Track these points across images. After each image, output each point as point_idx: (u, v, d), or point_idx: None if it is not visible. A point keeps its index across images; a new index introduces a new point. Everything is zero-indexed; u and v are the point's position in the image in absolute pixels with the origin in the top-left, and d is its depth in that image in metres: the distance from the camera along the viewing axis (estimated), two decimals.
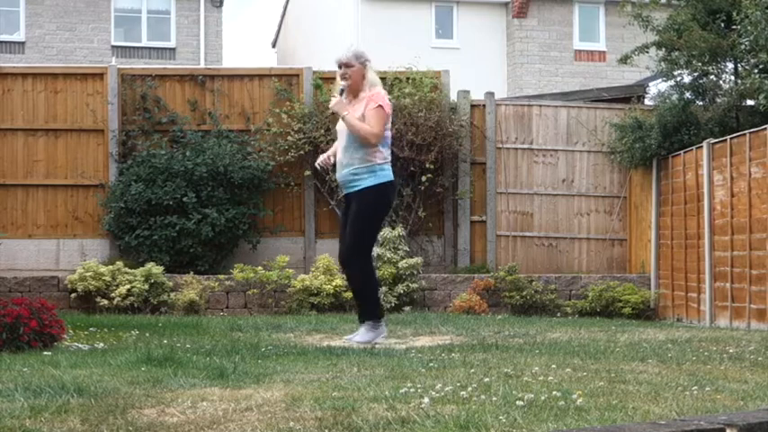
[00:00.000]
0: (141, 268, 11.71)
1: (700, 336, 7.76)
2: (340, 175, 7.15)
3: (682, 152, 11.87)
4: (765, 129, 9.84)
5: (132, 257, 12.28)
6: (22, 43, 23.47)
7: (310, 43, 26.11)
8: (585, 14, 24.17)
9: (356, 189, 7.03)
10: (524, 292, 12.11)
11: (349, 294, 11.85)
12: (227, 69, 14.27)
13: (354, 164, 7.03)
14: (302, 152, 12.71)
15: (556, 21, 23.98)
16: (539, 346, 6.39)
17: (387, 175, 7.08)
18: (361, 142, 6.99)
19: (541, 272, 13.00)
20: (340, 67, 7.13)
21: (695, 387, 4.20)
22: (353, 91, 7.12)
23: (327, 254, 12.41)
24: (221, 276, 12.01)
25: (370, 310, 7.18)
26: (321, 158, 7.44)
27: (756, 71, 10.92)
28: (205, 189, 12.26)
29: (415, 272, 12.17)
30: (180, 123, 12.89)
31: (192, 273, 11.98)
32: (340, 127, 7.18)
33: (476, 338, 7.31)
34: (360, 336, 7.10)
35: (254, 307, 11.98)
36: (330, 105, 7.18)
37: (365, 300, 7.24)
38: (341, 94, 7.09)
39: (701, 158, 11.22)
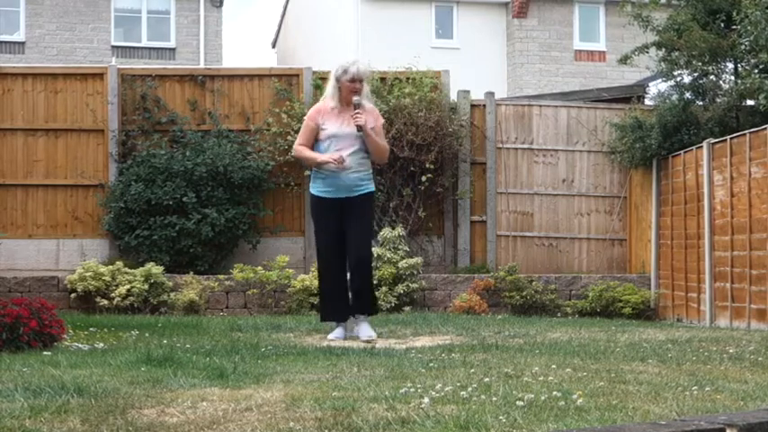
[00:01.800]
0: (141, 268, 11.71)
1: (700, 336, 7.76)
2: (346, 178, 7.42)
3: (682, 152, 11.87)
4: (765, 129, 9.84)
5: (132, 257, 12.28)
6: (22, 43, 23.48)
7: (310, 43, 26.11)
8: (585, 14, 24.17)
9: (360, 192, 7.51)
10: (524, 292, 12.11)
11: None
12: (227, 69, 14.27)
13: (361, 170, 7.51)
14: None
15: (556, 21, 23.97)
16: (539, 346, 6.39)
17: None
18: (380, 155, 7.62)
19: (541, 272, 12.99)
20: (355, 81, 7.40)
21: (695, 387, 4.20)
22: (349, 102, 7.45)
23: None
24: (221, 276, 12.02)
25: (374, 302, 7.87)
26: (335, 157, 7.37)
27: (756, 71, 10.92)
28: (205, 189, 12.26)
29: (415, 272, 12.17)
30: (180, 123, 12.89)
31: (191, 273, 11.98)
32: (346, 132, 7.41)
33: (476, 338, 7.31)
34: (367, 330, 7.48)
35: (253, 307, 11.98)
36: (361, 122, 7.37)
37: (371, 292, 7.78)
38: (357, 107, 7.38)
39: (701, 158, 11.22)
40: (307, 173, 12.81)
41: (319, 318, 8.04)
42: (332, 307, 7.65)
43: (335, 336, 7.47)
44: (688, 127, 11.87)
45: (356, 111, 7.37)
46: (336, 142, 7.41)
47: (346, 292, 7.68)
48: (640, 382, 4.36)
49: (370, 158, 7.60)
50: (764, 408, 3.61)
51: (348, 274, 7.77)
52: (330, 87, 7.51)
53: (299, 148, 7.57)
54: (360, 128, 7.36)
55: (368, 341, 7.17)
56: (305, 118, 7.65)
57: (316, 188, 7.56)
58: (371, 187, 7.62)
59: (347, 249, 7.53)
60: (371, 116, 7.51)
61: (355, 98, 7.40)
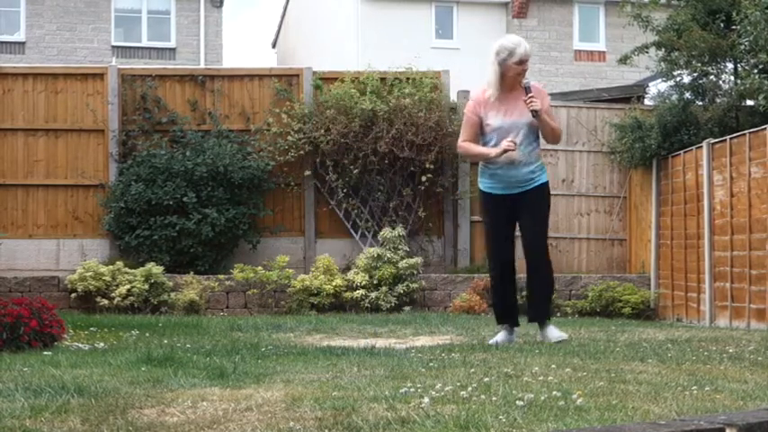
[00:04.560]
0: (141, 268, 11.71)
1: (699, 336, 7.76)
2: (517, 172, 6.74)
3: (681, 152, 11.87)
4: (765, 129, 9.84)
5: (132, 257, 12.29)
6: (23, 43, 23.48)
7: (310, 44, 26.11)
8: (585, 15, 24.18)
9: (533, 186, 6.83)
10: (524, 293, 12.08)
11: (349, 294, 11.88)
12: (227, 69, 14.28)
13: (531, 161, 6.81)
14: (302, 152, 12.72)
15: (556, 21, 23.98)
16: (539, 346, 6.39)
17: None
18: (554, 138, 6.93)
19: None
20: (524, 62, 6.71)
21: (695, 387, 4.20)
22: (512, 87, 6.77)
23: (327, 254, 12.43)
24: (221, 276, 12.02)
25: (550, 308, 7.21)
26: (504, 146, 6.64)
27: (756, 71, 10.92)
28: (205, 189, 12.27)
29: (415, 272, 12.18)
30: (180, 123, 12.90)
31: (192, 273, 11.99)
32: (511, 122, 6.73)
33: (476, 338, 7.32)
34: (556, 331, 6.92)
35: (254, 307, 11.98)
36: (537, 107, 6.66)
37: (551, 297, 7.25)
38: (528, 91, 6.69)
39: (701, 158, 11.23)
40: (307, 173, 12.85)
41: (496, 320, 7.24)
42: (505, 311, 7.06)
43: (500, 340, 6.83)
44: (688, 127, 11.87)
45: (529, 96, 6.65)
46: (503, 135, 6.70)
47: (515, 295, 7.19)
48: (640, 382, 4.36)
49: (537, 146, 6.87)
50: (764, 407, 3.61)
51: (526, 278, 7.23)
52: (491, 74, 6.71)
53: (465, 145, 6.87)
54: (536, 113, 6.65)
55: (560, 341, 6.68)
56: (465, 111, 6.94)
57: (484, 183, 6.88)
58: (544, 178, 6.90)
59: (524, 250, 7.04)
60: (540, 96, 6.76)
61: (524, 81, 6.69)
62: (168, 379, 4.55)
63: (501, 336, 6.93)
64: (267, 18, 67.71)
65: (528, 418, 3.36)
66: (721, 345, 6.70)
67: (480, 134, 6.82)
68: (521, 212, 6.87)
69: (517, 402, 3.63)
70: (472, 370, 4.80)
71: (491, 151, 6.69)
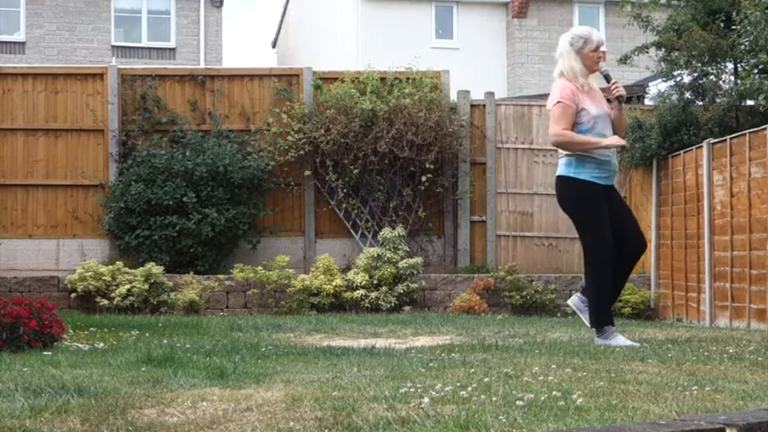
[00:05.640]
0: (141, 268, 11.71)
1: (700, 336, 7.76)
2: (614, 162, 6.68)
3: (682, 152, 11.87)
4: (765, 129, 9.84)
5: (132, 257, 12.29)
6: (23, 43, 23.48)
7: (310, 44, 26.12)
8: (585, 15, 24.17)
9: (614, 180, 6.77)
10: (524, 292, 12.11)
11: (349, 294, 11.89)
12: (227, 69, 14.28)
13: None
14: (302, 152, 12.72)
15: (556, 21, 23.98)
16: (539, 346, 6.38)
17: None
18: (624, 131, 6.81)
19: (541, 272, 12.99)
20: (599, 48, 6.63)
21: (695, 387, 4.20)
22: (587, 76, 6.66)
23: (327, 254, 12.43)
24: (221, 276, 12.02)
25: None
26: (622, 142, 6.60)
27: (756, 71, 10.91)
28: (205, 189, 12.27)
29: (415, 272, 12.17)
30: (180, 123, 12.90)
31: (191, 273, 11.99)
32: (604, 111, 6.63)
33: (476, 338, 7.31)
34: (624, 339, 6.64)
35: (254, 307, 11.98)
36: (623, 92, 6.64)
37: None
38: (609, 78, 6.65)
39: (701, 158, 11.22)
40: (307, 173, 12.85)
41: (595, 323, 6.69)
42: (610, 308, 6.72)
43: (628, 342, 6.51)
44: (688, 127, 11.87)
45: (613, 82, 6.63)
46: (599, 123, 6.54)
47: None
48: (640, 382, 4.36)
49: None
50: (764, 408, 3.60)
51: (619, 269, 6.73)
52: (573, 63, 6.59)
53: (569, 134, 6.52)
54: (621, 98, 6.60)
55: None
56: (560, 100, 6.56)
57: (586, 173, 6.57)
58: None
59: (626, 239, 6.59)
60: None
61: (603, 68, 6.65)
62: (168, 379, 4.55)
63: (621, 337, 6.61)
64: (267, 18, 67.77)
65: (528, 418, 3.35)
66: (721, 345, 6.70)
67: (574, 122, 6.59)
68: (614, 204, 6.65)
69: (517, 402, 3.63)
70: (472, 370, 4.79)
71: (602, 141, 6.46)
